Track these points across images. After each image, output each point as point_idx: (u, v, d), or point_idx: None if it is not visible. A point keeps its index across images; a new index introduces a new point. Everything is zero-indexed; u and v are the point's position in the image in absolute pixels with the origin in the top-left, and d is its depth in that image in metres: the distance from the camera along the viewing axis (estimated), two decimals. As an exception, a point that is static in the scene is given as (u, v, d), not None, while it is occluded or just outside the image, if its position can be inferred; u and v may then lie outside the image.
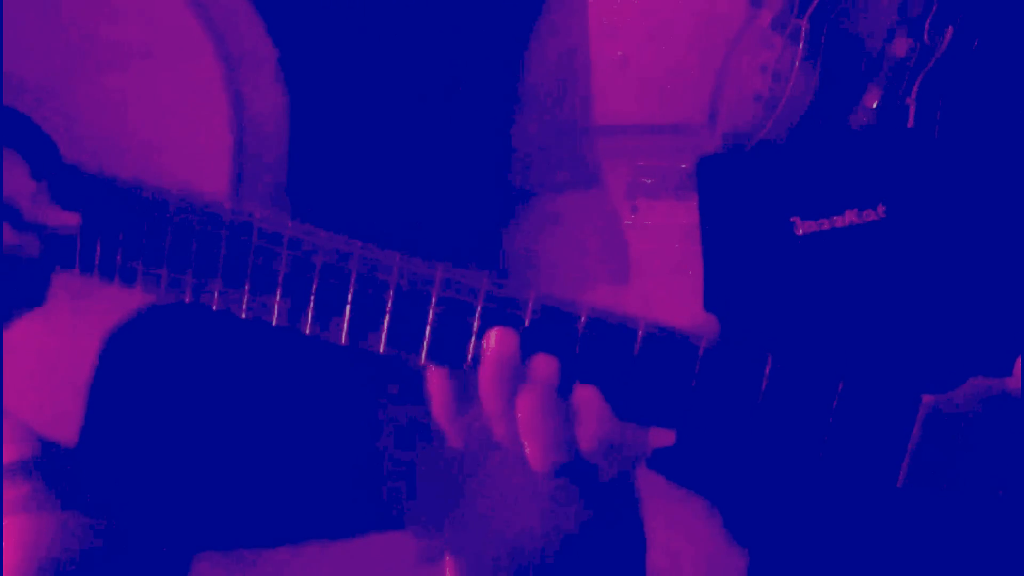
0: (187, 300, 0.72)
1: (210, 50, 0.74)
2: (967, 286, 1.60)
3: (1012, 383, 0.60)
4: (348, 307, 0.69)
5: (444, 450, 0.92)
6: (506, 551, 0.86)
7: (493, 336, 0.66)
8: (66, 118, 0.77)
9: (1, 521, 0.87)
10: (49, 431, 0.83)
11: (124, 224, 0.73)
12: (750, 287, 1.76)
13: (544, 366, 0.66)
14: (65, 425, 0.81)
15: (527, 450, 0.68)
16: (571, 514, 0.85)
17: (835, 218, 1.71)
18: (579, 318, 0.66)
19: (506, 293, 0.67)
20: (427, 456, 0.94)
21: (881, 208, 1.69)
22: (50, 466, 0.91)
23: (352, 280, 0.69)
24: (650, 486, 0.91)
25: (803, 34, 2.01)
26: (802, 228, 1.71)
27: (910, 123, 1.86)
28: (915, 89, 1.86)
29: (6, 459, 0.91)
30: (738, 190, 1.83)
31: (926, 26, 1.86)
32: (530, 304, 0.66)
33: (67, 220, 0.73)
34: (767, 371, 0.63)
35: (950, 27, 1.83)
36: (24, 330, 0.79)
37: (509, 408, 0.67)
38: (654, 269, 1.04)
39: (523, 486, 0.86)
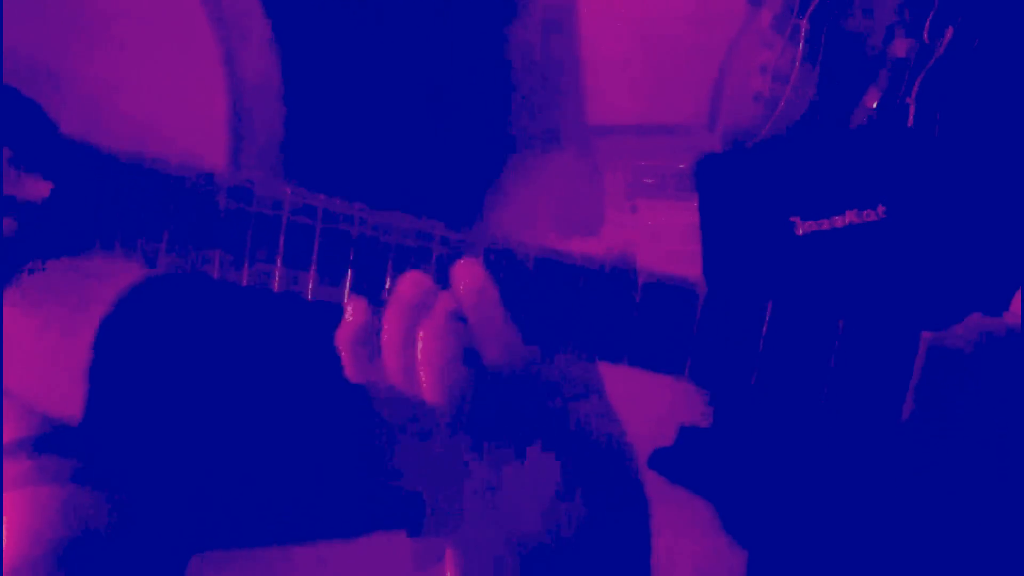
0: (188, 270, 0.72)
1: (202, 14, 0.74)
2: (966, 285, 1.59)
3: (1010, 319, 0.61)
4: (349, 271, 0.69)
5: (446, 449, 0.92)
6: (508, 551, 0.86)
7: (405, 279, 0.69)
8: (62, 90, 0.77)
9: (1, 497, 0.86)
10: (52, 409, 0.83)
11: (124, 196, 0.73)
12: (750, 287, 1.75)
13: (444, 300, 0.68)
14: (68, 402, 0.81)
15: (423, 381, 0.70)
16: (574, 514, 0.85)
17: (835, 218, 1.70)
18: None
19: (467, 239, 0.69)
20: (428, 455, 0.94)
21: (881, 208, 1.69)
22: (54, 442, 0.91)
23: (352, 243, 0.69)
24: (649, 486, 0.91)
25: (803, 34, 2.01)
26: (802, 228, 1.71)
27: (910, 123, 1.86)
28: (915, 89, 1.86)
29: (8, 436, 0.91)
30: (738, 190, 1.82)
31: (926, 26, 1.86)
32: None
33: (38, 190, 0.74)
34: (768, 314, 0.64)
35: (950, 27, 1.83)
36: (24, 309, 0.79)
37: (406, 344, 0.69)
38: (654, 269, 1.04)
39: (526, 486, 0.86)
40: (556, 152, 0.99)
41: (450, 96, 0.93)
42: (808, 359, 0.64)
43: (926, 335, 0.62)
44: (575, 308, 0.67)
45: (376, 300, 0.70)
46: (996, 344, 0.61)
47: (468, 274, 0.68)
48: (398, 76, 0.90)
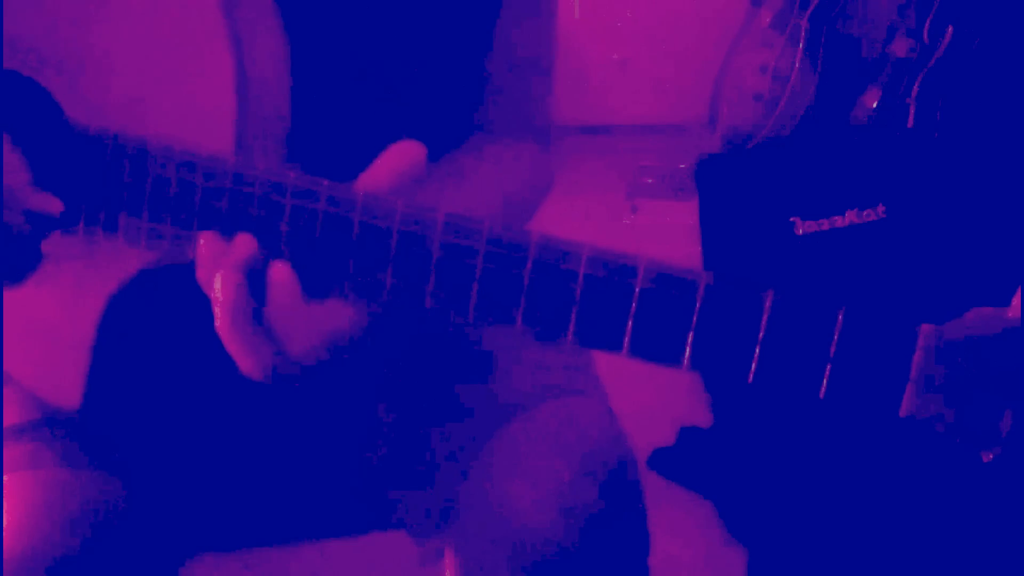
0: (191, 256, 0.72)
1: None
2: (966, 278, 1.60)
3: (1011, 312, 0.61)
4: (351, 260, 0.70)
5: (446, 449, 0.92)
6: (507, 553, 0.86)
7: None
8: (69, 77, 0.77)
9: (1, 478, 0.86)
10: (52, 397, 0.83)
11: (128, 181, 0.73)
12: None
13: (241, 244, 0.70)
14: (68, 391, 0.81)
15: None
16: (572, 514, 0.85)
17: (835, 218, 1.71)
18: (580, 258, 0.67)
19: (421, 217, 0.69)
20: (428, 455, 0.94)
21: (881, 208, 1.69)
22: (55, 426, 0.91)
23: (355, 228, 0.69)
24: (649, 486, 0.91)
25: (803, 34, 2.01)
26: (802, 228, 1.72)
27: (910, 123, 1.87)
28: (915, 89, 1.86)
29: (9, 421, 0.91)
30: (738, 190, 1.83)
31: (926, 26, 1.86)
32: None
33: (51, 206, 0.74)
34: (768, 304, 0.64)
35: (950, 27, 1.84)
36: (25, 296, 0.80)
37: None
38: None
39: (525, 487, 0.86)
40: (515, 143, 0.99)
41: (427, 81, 0.93)
42: (806, 350, 0.63)
43: (926, 327, 0.62)
44: (574, 296, 0.67)
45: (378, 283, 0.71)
46: (996, 339, 0.60)
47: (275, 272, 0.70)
48: (391, 53, 0.91)
